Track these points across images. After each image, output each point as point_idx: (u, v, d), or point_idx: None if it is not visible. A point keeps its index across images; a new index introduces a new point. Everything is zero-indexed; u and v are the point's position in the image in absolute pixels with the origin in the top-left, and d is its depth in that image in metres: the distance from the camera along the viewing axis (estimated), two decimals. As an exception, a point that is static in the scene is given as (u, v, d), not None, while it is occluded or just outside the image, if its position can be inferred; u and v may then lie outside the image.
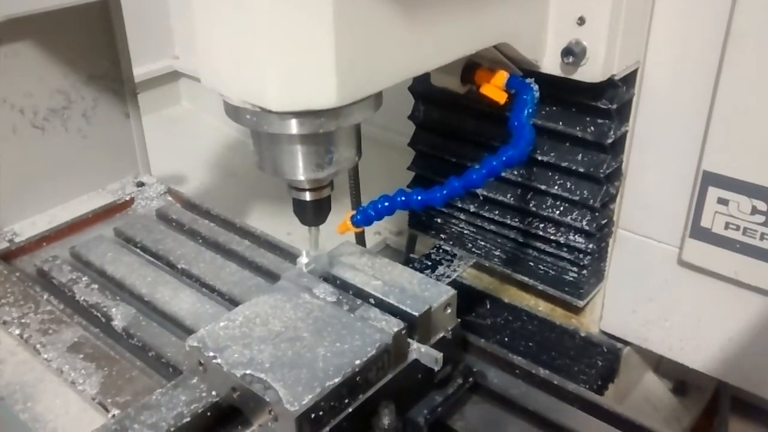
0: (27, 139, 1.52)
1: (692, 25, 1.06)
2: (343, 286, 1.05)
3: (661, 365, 1.51)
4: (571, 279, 1.28)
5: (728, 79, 1.04)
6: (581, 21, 1.04)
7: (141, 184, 1.69)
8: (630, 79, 1.13)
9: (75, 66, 1.55)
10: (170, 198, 1.65)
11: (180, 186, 1.74)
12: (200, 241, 1.48)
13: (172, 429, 0.89)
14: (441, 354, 0.95)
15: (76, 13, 1.51)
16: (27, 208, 1.56)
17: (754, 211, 1.07)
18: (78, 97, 1.58)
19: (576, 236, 1.24)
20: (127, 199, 1.63)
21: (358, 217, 0.99)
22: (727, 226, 1.11)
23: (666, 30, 1.09)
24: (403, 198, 0.97)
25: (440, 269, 1.35)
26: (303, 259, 1.07)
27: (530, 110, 1.00)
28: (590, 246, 1.23)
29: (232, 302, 1.28)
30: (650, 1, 1.08)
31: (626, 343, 1.35)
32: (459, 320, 1.06)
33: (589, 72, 1.07)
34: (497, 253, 1.36)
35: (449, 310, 1.04)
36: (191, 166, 2.33)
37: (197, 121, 2.76)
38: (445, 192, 0.95)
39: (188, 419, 0.90)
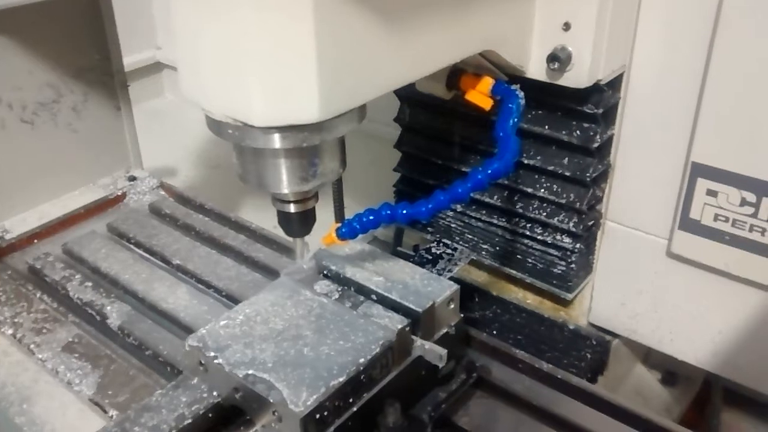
0: (16, 134, 1.49)
1: (678, 22, 1.05)
2: (344, 283, 1.03)
3: (649, 357, 1.51)
4: (559, 272, 1.27)
5: (717, 70, 1.03)
6: (567, 27, 1.04)
7: (133, 179, 1.66)
8: (616, 83, 1.12)
9: (64, 59, 1.52)
10: (163, 192, 1.63)
11: (168, 178, 1.72)
12: (195, 236, 1.46)
13: (173, 431, 0.87)
14: (445, 351, 0.94)
15: (64, 5, 1.48)
16: (17, 205, 1.53)
17: (744, 202, 1.07)
18: (67, 91, 1.55)
19: (563, 237, 1.24)
20: (119, 193, 1.60)
21: (344, 230, 0.98)
22: (716, 217, 1.10)
23: (652, 31, 1.08)
24: (388, 212, 0.96)
25: (441, 264, 1.34)
26: (302, 255, 1.06)
27: (516, 119, 0.99)
28: (577, 246, 1.23)
29: (229, 298, 1.27)
30: (636, 5, 1.07)
31: (615, 335, 1.35)
32: (462, 315, 1.05)
33: (575, 77, 1.06)
34: (485, 246, 1.35)
35: (452, 306, 1.02)
36: (177, 157, 2.30)
37: (181, 112, 2.72)
38: (430, 206, 0.95)
39: (189, 420, 0.89)
